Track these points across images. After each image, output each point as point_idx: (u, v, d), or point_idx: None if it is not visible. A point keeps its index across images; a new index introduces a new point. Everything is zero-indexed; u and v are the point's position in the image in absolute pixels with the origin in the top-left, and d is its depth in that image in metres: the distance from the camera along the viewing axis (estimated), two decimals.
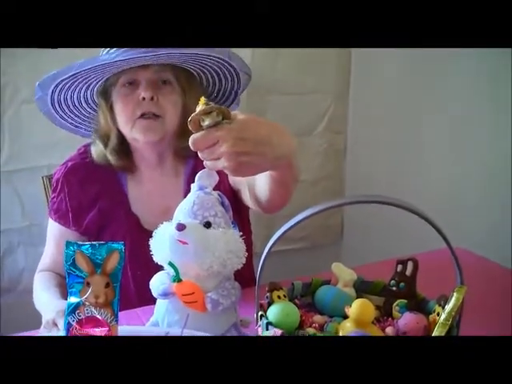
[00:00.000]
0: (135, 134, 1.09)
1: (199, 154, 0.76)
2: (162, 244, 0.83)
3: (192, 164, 1.16)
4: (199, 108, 0.75)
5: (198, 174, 0.87)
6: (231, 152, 0.73)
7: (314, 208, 0.68)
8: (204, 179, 0.87)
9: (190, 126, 0.76)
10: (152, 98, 1.07)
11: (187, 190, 0.92)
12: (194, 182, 0.88)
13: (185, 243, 0.80)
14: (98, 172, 1.16)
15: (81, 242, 0.73)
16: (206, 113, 0.74)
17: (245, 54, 1.58)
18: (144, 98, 1.07)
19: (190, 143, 0.75)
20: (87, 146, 1.19)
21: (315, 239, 1.97)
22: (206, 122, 0.74)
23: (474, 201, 1.59)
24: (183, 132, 1.05)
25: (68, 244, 0.73)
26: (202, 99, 0.76)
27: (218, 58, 1.11)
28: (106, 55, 1.06)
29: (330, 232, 2.00)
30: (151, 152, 1.15)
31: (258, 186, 0.97)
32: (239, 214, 1.10)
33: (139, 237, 1.04)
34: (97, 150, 1.15)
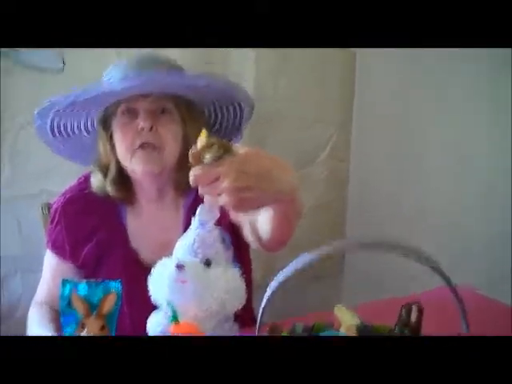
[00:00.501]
0: (134, 165, 1.07)
1: (199, 190, 0.74)
2: (160, 283, 0.81)
3: (192, 197, 1.11)
4: (200, 141, 0.74)
5: (198, 209, 0.85)
6: (232, 187, 0.71)
7: (313, 253, 0.65)
8: (205, 214, 0.85)
9: (190, 160, 0.74)
10: (151, 128, 1.05)
11: (187, 224, 0.90)
12: (194, 215, 0.86)
13: (184, 282, 0.78)
14: (96, 204, 1.13)
15: (77, 281, 0.72)
16: (208, 147, 0.73)
17: (247, 79, 1.59)
18: (143, 128, 1.04)
19: (190, 178, 0.73)
20: (87, 176, 1.16)
21: (316, 270, 1.94)
22: (207, 157, 0.72)
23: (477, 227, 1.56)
24: (183, 164, 0.98)
25: (64, 282, 0.71)
26: (204, 132, 0.75)
27: (220, 88, 1.09)
28: (103, 85, 1.05)
29: (331, 262, 1.98)
30: (150, 184, 1.13)
31: (259, 222, 0.95)
32: (240, 250, 1.08)
33: (137, 272, 1.02)
34: (96, 181, 1.13)
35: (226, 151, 0.73)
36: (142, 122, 1.04)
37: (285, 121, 1.79)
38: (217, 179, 0.72)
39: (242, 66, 1.63)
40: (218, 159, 0.72)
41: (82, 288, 0.71)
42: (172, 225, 1.12)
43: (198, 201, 0.90)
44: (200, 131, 0.76)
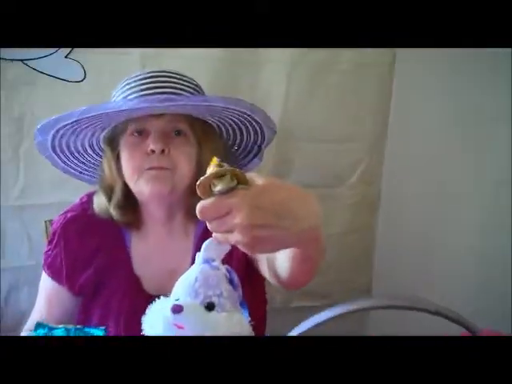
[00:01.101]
0: (141, 186, 0.98)
1: (208, 225, 0.64)
2: (154, 325, 0.71)
3: (204, 224, 1.01)
4: (210, 170, 0.64)
5: (205, 244, 0.74)
6: (246, 224, 0.61)
7: (337, 308, 0.56)
8: (211, 251, 0.74)
9: (198, 191, 0.64)
10: (163, 151, 0.96)
11: (196, 252, 0.79)
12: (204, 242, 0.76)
13: (180, 327, 0.68)
14: (99, 225, 1.04)
15: (53, 325, 0.62)
16: (218, 176, 0.63)
17: (278, 95, 1.49)
18: (153, 151, 0.96)
19: (197, 211, 0.63)
20: (90, 196, 1.08)
21: (339, 297, 1.81)
22: (218, 188, 0.62)
23: None
24: (195, 188, 0.94)
25: (38, 326, 0.62)
26: (215, 159, 0.65)
27: (239, 111, 1.00)
28: (111, 103, 0.97)
29: (356, 291, 1.85)
30: (159, 207, 1.03)
31: (278, 260, 0.84)
32: (253, 286, 0.97)
33: (139, 301, 0.92)
34: (99, 203, 1.04)
35: (239, 182, 0.63)
36: (152, 144, 0.95)
37: (314, 139, 1.66)
38: (228, 213, 0.62)
39: (270, 85, 1.51)
40: (230, 191, 0.62)
41: (59, 334, 0.61)
42: (180, 253, 1.03)
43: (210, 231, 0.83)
44: (216, 154, 0.69)
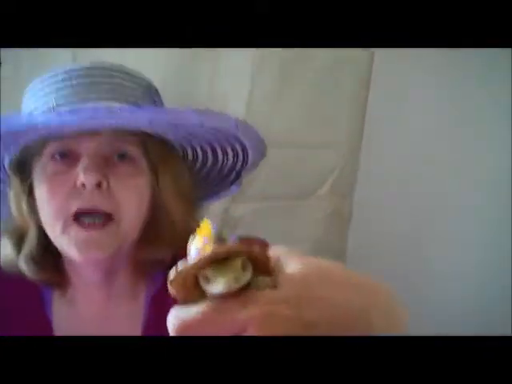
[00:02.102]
0: (66, 248, 0.68)
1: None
2: None
3: (160, 281, 0.73)
4: (198, 244, 0.34)
5: None
6: None
7: None
8: None
9: (171, 288, 0.35)
10: (99, 185, 0.65)
11: (149, 322, 0.67)
12: (159, 308, 0.64)
13: None
14: (9, 281, 0.73)
15: None
16: (218, 261, 0.33)
17: (241, 97, 1.19)
18: (84, 185, 0.65)
19: (170, 327, 0.34)
20: None
21: None
22: (219, 287, 0.33)
23: None
24: (149, 236, 0.71)
25: None
26: (206, 224, 0.34)
27: (216, 128, 0.71)
28: (17, 116, 0.68)
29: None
30: (93, 269, 0.73)
31: None
32: None
33: None
34: (5, 254, 0.72)
35: (257, 270, 0.34)
36: (82, 175, 0.65)
37: (282, 145, 1.31)
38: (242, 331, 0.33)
39: (232, 82, 1.22)
40: (239, 290, 0.33)
41: None
42: (125, 323, 0.74)
43: (167, 290, 0.65)
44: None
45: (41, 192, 0.68)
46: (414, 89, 1.35)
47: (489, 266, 1.28)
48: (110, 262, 0.71)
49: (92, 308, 0.75)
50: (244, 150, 0.76)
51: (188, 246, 0.35)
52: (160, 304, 0.62)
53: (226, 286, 0.32)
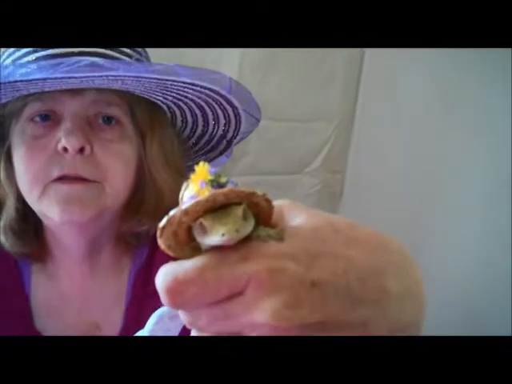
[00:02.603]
0: (46, 208, 0.63)
1: (182, 316, 0.31)
2: None
3: (145, 256, 0.70)
4: (190, 191, 0.30)
5: (155, 317, 0.47)
6: (289, 326, 0.30)
7: None
8: (165, 326, 0.48)
9: (160, 237, 0.30)
10: (82, 150, 0.61)
11: (132, 299, 0.64)
12: (144, 285, 0.61)
13: None
14: None
15: None
16: (215, 209, 0.29)
17: (231, 69, 1.16)
18: (66, 149, 0.60)
19: (160, 286, 0.29)
20: None
21: None
22: (216, 238, 0.28)
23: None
24: (134, 207, 0.68)
25: None
26: (202, 167, 0.30)
27: (209, 89, 0.65)
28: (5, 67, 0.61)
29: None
30: (75, 237, 0.68)
31: None
32: None
33: None
34: None
35: (259, 219, 0.30)
36: (65, 139, 0.60)
37: (272, 118, 1.29)
38: (238, 296, 0.29)
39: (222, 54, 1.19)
40: (240, 242, 0.29)
41: None
42: (107, 300, 0.71)
43: (153, 265, 0.64)
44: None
45: (19, 157, 0.63)
46: (411, 62, 1.29)
47: (489, 265, 1.24)
48: (92, 228, 0.67)
49: (73, 283, 0.71)
50: (236, 116, 0.71)
51: (180, 195, 0.30)
52: (145, 280, 0.59)
53: (226, 236, 0.28)
